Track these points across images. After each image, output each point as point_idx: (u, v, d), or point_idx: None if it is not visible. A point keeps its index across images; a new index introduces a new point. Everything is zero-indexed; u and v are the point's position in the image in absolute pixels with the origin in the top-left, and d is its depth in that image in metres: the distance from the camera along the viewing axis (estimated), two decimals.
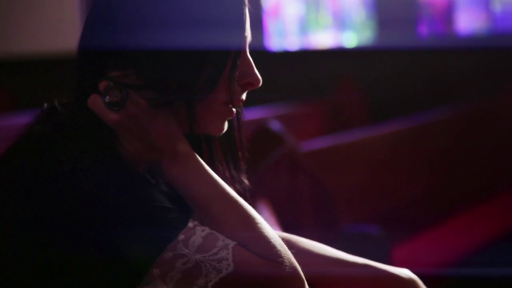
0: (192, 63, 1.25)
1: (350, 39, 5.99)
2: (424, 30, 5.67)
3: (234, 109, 1.30)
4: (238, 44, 1.29)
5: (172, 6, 1.25)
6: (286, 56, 6.05)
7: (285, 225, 2.58)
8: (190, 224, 1.19)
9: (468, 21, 5.65)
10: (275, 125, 3.84)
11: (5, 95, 6.33)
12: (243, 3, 1.31)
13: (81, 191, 1.17)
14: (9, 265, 1.21)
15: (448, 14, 5.68)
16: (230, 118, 1.32)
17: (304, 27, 6.11)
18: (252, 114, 4.52)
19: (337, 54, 5.94)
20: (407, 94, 5.51)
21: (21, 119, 3.87)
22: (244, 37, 1.30)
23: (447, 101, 5.04)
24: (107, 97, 1.24)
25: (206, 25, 1.26)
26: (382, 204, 3.19)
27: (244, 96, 1.32)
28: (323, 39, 6.04)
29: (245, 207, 1.24)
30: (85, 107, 1.25)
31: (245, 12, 1.30)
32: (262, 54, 5.95)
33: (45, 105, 1.31)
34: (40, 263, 1.19)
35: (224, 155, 1.39)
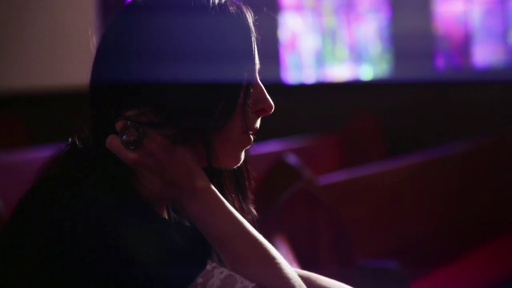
0: (207, 96, 1.25)
1: (366, 72, 5.99)
2: (441, 62, 5.67)
3: (251, 137, 1.30)
4: (249, 73, 1.29)
5: (182, 40, 1.25)
6: (303, 89, 6.06)
7: (303, 260, 2.56)
8: (209, 267, 1.18)
9: (484, 54, 5.64)
10: (292, 159, 3.83)
11: (22, 128, 6.35)
12: (251, 33, 1.31)
13: (99, 233, 1.17)
14: None
15: (464, 47, 5.67)
16: (248, 146, 1.31)
17: (320, 60, 6.12)
18: (268, 147, 4.51)
19: (354, 87, 5.94)
20: (424, 127, 5.50)
21: (38, 153, 3.87)
22: (254, 67, 1.30)
23: (464, 133, 5.03)
24: (124, 136, 1.24)
25: (216, 57, 1.26)
26: (400, 239, 3.16)
27: (258, 123, 1.32)
28: (340, 72, 6.05)
29: (265, 246, 1.23)
30: (103, 146, 1.25)
31: (253, 42, 1.30)
32: (279, 87, 5.96)
33: (69, 140, 1.31)
34: None
35: (233, 185, 1.38)
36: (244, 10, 1.32)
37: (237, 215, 1.25)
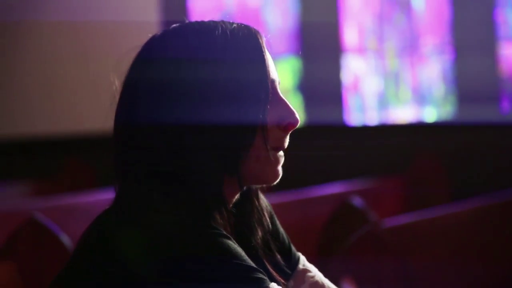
0: (231, 134, 1.27)
1: (430, 114, 5.95)
2: (506, 105, 5.60)
3: (281, 155, 1.32)
4: (265, 94, 1.30)
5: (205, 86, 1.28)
6: (366, 131, 6.03)
7: None
8: (274, 286, 1.18)
9: None
10: (357, 201, 3.81)
11: (87, 171, 6.43)
12: (263, 53, 1.32)
13: (170, 247, 1.18)
14: None
15: None
16: (281, 163, 1.32)
17: (383, 102, 6.09)
18: (332, 189, 4.50)
19: (417, 129, 5.90)
20: (490, 170, 5.42)
21: (102, 195, 3.91)
22: (271, 85, 1.31)
23: None
24: None
25: (234, 94, 1.28)
26: (470, 284, 3.11)
27: (287, 139, 1.33)
28: (403, 114, 6.01)
29: None
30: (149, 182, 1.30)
31: (267, 62, 1.32)
32: (342, 129, 5.95)
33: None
34: None
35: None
36: (253, 32, 1.34)
37: None
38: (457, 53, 5.72)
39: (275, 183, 1.36)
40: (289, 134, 1.36)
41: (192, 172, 1.27)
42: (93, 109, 6.62)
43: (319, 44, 5.88)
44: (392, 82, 6.07)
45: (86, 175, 6.36)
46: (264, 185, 1.40)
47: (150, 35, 1.37)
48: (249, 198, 1.42)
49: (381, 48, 6.11)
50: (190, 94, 1.27)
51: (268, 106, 1.31)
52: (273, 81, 1.34)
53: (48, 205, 4.02)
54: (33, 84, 6.79)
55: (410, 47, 6.00)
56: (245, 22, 1.37)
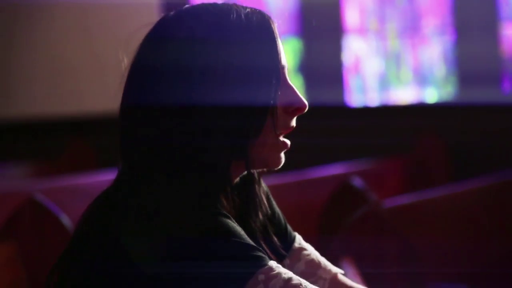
0: (242, 115, 1.28)
1: (431, 95, 5.94)
2: (507, 85, 5.59)
3: (287, 141, 1.33)
4: (276, 79, 1.30)
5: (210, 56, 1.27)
6: (367, 112, 6.03)
7: (371, 284, 2.54)
8: (273, 264, 1.19)
9: None
10: (357, 182, 3.81)
11: (89, 152, 6.44)
12: (276, 38, 1.33)
13: (171, 227, 1.19)
14: None
15: None
16: (286, 149, 1.33)
17: (384, 83, 6.09)
18: (333, 170, 4.50)
19: (418, 110, 5.89)
20: (491, 151, 5.42)
21: (104, 176, 3.92)
22: (281, 71, 1.31)
23: None
24: None
25: (244, 74, 1.29)
26: (470, 263, 3.11)
27: (294, 123, 1.34)
28: (404, 94, 6.01)
29: None
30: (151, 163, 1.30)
31: (279, 47, 1.33)
32: (343, 110, 5.94)
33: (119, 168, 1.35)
34: None
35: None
36: (267, 17, 1.35)
37: None
38: (458, 34, 5.70)
39: (277, 168, 1.37)
40: (295, 120, 1.37)
41: (201, 154, 1.27)
42: (95, 91, 6.61)
43: (320, 24, 5.86)
44: (393, 63, 6.06)
45: (87, 156, 6.36)
46: (266, 170, 1.40)
47: (161, 15, 1.37)
48: (250, 182, 1.42)
49: (382, 29, 6.10)
50: (203, 75, 1.28)
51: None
52: (283, 67, 1.35)
53: (49, 186, 4.03)
54: (35, 65, 6.78)
55: (411, 28, 5.98)
56: (246, 4, 1.37)
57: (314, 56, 5.98)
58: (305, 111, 1.35)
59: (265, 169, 1.39)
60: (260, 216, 1.43)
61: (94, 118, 6.60)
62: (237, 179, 1.37)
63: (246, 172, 1.36)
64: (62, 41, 6.72)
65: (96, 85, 6.62)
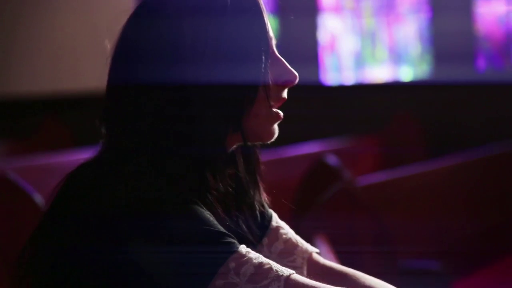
0: (233, 89, 1.29)
1: (406, 73, 5.96)
2: (482, 63, 5.62)
3: (280, 112, 1.31)
4: (265, 51, 1.32)
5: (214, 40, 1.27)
6: (342, 90, 6.04)
7: (343, 260, 2.55)
8: (243, 250, 1.18)
9: None
10: (332, 160, 3.82)
11: (65, 130, 6.41)
12: (263, 11, 1.33)
13: (135, 211, 1.19)
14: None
15: (506, 48, 5.62)
16: (279, 121, 1.34)
17: (360, 61, 6.09)
18: (308, 149, 4.51)
19: (393, 88, 5.91)
20: (465, 128, 5.45)
21: (80, 155, 3.91)
22: (270, 42, 1.30)
23: (506, 134, 4.98)
24: None
25: (232, 49, 1.30)
26: (442, 240, 3.14)
27: (285, 94, 1.35)
28: (379, 73, 6.02)
29: None
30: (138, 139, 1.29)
31: (266, 20, 1.33)
32: (318, 88, 5.95)
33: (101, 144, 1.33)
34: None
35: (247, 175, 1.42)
36: None
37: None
38: (434, 12, 5.71)
39: (271, 141, 1.36)
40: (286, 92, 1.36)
41: (196, 128, 1.26)
42: (71, 69, 6.58)
43: (295, 2, 5.85)
44: (369, 41, 6.07)
45: (62, 135, 6.33)
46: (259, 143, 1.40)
47: None
48: (246, 157, 1.42)
49: (357, 7, 6.10)
50: (192, 50, 1.27)
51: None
52: (271, 39, 1.35)
53: (23, 165, 4.01)
54: (9, 43, 6.73)
55: (387, 6, 5.99)
56: None
57: (290, 34, 5.97)
58: (296, 82, 1.35)
59: (259, 143, 1.39)
60: (252, 193, 1.43)
61: (69, 96, 6.57)
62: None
63: (246, 145, 1.35)
64: (37, 18, 6.66)
65: (72, 62, 6.58)
